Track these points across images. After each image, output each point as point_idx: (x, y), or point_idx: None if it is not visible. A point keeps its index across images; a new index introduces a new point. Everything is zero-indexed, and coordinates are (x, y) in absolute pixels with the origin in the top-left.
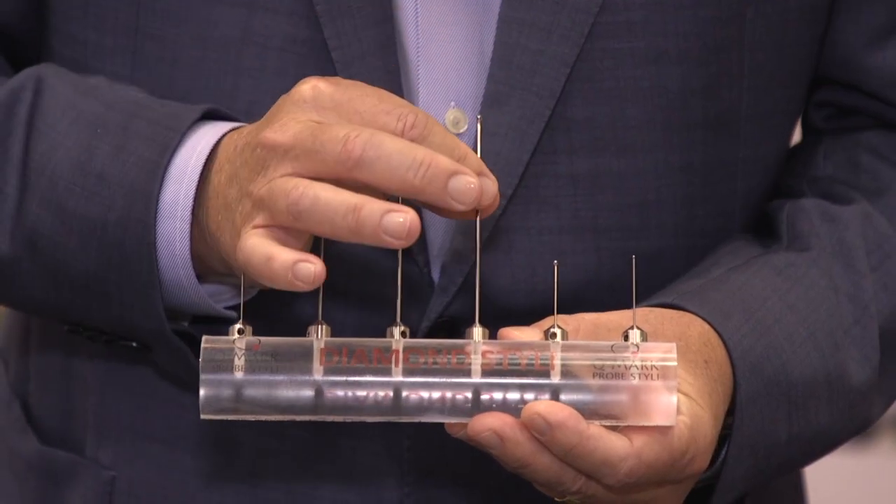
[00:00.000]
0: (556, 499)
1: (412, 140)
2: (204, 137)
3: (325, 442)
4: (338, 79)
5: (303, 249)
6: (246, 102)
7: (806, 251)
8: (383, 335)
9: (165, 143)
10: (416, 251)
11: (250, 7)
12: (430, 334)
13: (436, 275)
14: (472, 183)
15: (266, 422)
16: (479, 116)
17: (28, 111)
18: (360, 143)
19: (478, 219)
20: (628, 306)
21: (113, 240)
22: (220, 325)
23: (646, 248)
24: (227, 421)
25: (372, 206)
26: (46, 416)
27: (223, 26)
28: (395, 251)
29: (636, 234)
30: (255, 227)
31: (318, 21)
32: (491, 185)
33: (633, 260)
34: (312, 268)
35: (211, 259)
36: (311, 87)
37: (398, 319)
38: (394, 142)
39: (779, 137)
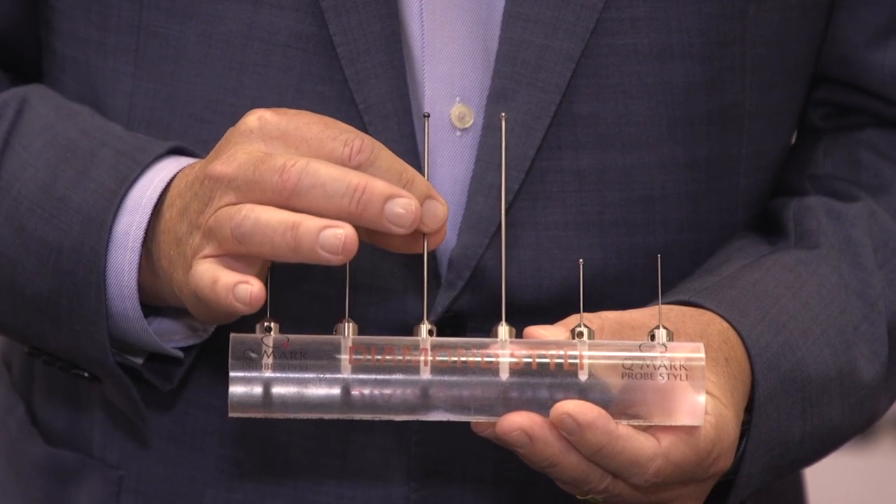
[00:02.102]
0: (579, 497)
1: (359, 164)
2: (162, 171)
3: (332, 438)
4: (284, 109)
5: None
6: (250, 99)
7: (815, 249)
8: (389, 328)
9: (126, 173)
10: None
11: (256, 3)
12: (436, 329)
13: (443, 270)
14: (409, 205)
15: (274, 417)
16: (503, 115)
17: (7, 129)
18: (296, 172)
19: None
20: (634, 301)
21: (67, 266)
22: (171, 365)
23: (651, 243)
24: (234, 416)
25: (309, 223)
26: (52, 416)
27: (228, 22)
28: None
29: (641, 230)
30: (205, 256)
31: (323, 17)
32: (439, 208)
33: (658, 259)
34: (249, 288)
35: (163, 293)
36: (258, 117)
37: (425, 317)
38: (329, 169)
39: (781, 134)
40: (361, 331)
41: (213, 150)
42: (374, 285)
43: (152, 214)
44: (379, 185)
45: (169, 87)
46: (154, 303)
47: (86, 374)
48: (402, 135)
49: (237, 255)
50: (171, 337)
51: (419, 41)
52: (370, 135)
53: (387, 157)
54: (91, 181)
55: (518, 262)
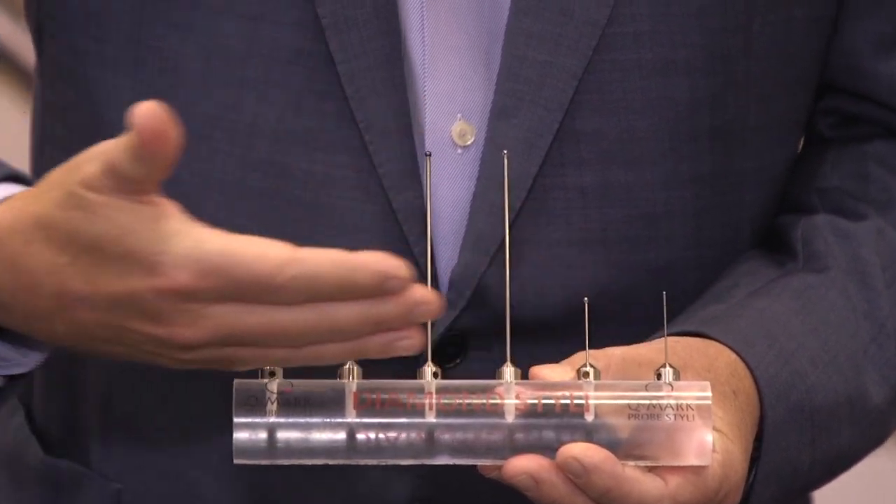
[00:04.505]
0: None
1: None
2: None
3: None
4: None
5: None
6: (250, 115)
7: (823, 272)
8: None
9: None
10: (424, 265)
11: (256, 19)
12: (437, 349)
13: (444, 289)
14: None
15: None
16: (505, 152)
17: None
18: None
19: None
20: (637, 318)
21: None
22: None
23: (654, 260)
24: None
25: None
26: (51, 425)
27: (228, 38)
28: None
29: (645, 247)
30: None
31: (323, 33)
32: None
33: (665, 297)
34: None
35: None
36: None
37: (430, 359)
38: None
39: (786, 147)
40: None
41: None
42: None
43: None
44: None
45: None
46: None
47: None
48: (403, 153)
49: None
50: (6, 364)
51: (420, 57)
52: (371, 153)
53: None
54: None
55: (520, 279)
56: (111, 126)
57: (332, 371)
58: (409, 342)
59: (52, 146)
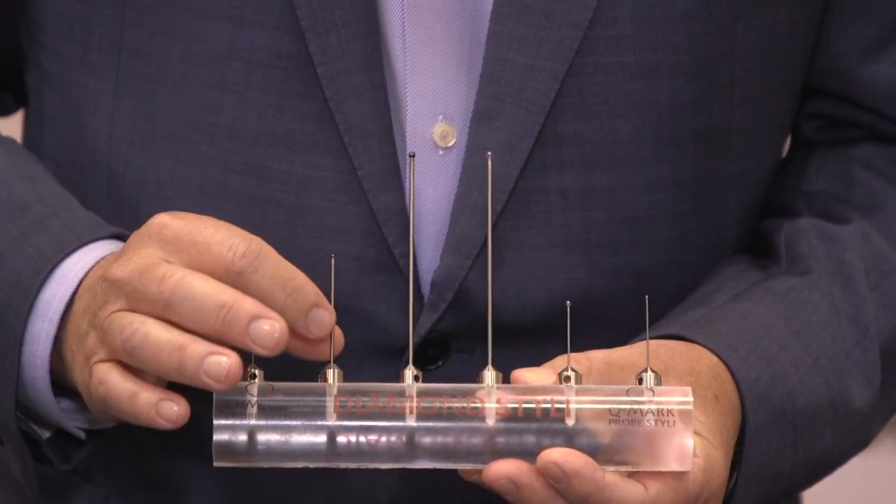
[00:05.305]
0: None
1: (241, 270)
2: (95, 250)
3: None
4: (186, 214)
5: (157, 384)
6: (231, 118)
7: (806, 275)
8: (372, 349)
9: (63, 244)
10: (405, 266)
11: (236, 21)
12: (419, 350)
13: (426, 291)
14: (274, 326)
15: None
16: (489, 154)
17: None
18: (172, 284)
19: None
20: (619, 321)
21: None
22: (74, 445)
23: (637, 264)
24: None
25: (196, 347)
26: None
27: (209, 41)
28: (390, 266)
29: (627, 250)
30: (101, 361)
31: (303, 35)
32: (326, 316)
33: (647, 301)
34: (176, 408)
35: (67, 376)
36: (158, 222)
37: (411, 363)
38: (203, 284)
39: (770, 151)
40: (345, 352)
41: (121, 250)
42: (356, 307)
43: (73, 298)
44: (247, 305)
45: (150, 106)
46: (63, 381)
47: None
48: (383, 154)
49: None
50: (77, 417)
51: (401, 59)
52: (351, 155)
53: (273, 264)
54: (30, 245)
55: (502, 282)
56: (95, 132)
57: (314, 374)
58: (221, 362)
59: (39, 153)
